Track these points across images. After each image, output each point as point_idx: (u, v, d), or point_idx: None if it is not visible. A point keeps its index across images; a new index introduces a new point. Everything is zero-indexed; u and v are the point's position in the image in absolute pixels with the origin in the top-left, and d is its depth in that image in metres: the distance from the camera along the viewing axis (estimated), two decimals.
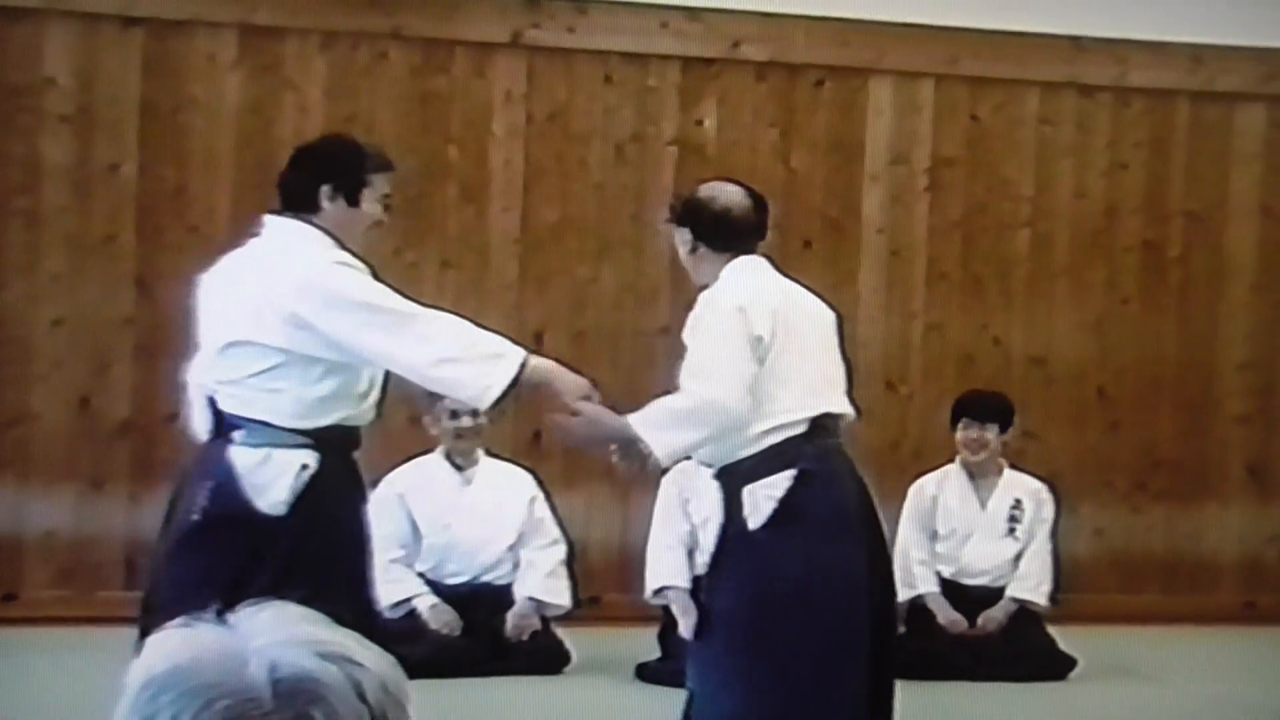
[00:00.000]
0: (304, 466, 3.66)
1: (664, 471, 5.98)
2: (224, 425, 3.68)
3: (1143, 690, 6.12)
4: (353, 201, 3.78)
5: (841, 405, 3.90)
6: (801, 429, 3.79)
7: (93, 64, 6.38)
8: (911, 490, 6.28)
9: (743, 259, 3.87)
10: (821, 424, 3.83)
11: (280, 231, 3.77)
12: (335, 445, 3.71)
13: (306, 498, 3.66)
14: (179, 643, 1.06)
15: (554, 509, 5.99)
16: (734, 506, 3.81)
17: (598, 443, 3.82)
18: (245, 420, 3.65)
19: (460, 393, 3.70)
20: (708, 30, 6.88)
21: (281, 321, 3.59)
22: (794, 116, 7.02)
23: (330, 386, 3.68)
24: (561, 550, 5.91)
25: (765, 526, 3.77)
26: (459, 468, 5.92)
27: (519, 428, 6.59)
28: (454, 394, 3.78)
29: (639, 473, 3.93)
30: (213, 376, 3.69)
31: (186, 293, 6.42)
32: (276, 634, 1.07)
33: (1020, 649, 6.05)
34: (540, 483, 6.01)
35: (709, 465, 3.91)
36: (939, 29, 7.02)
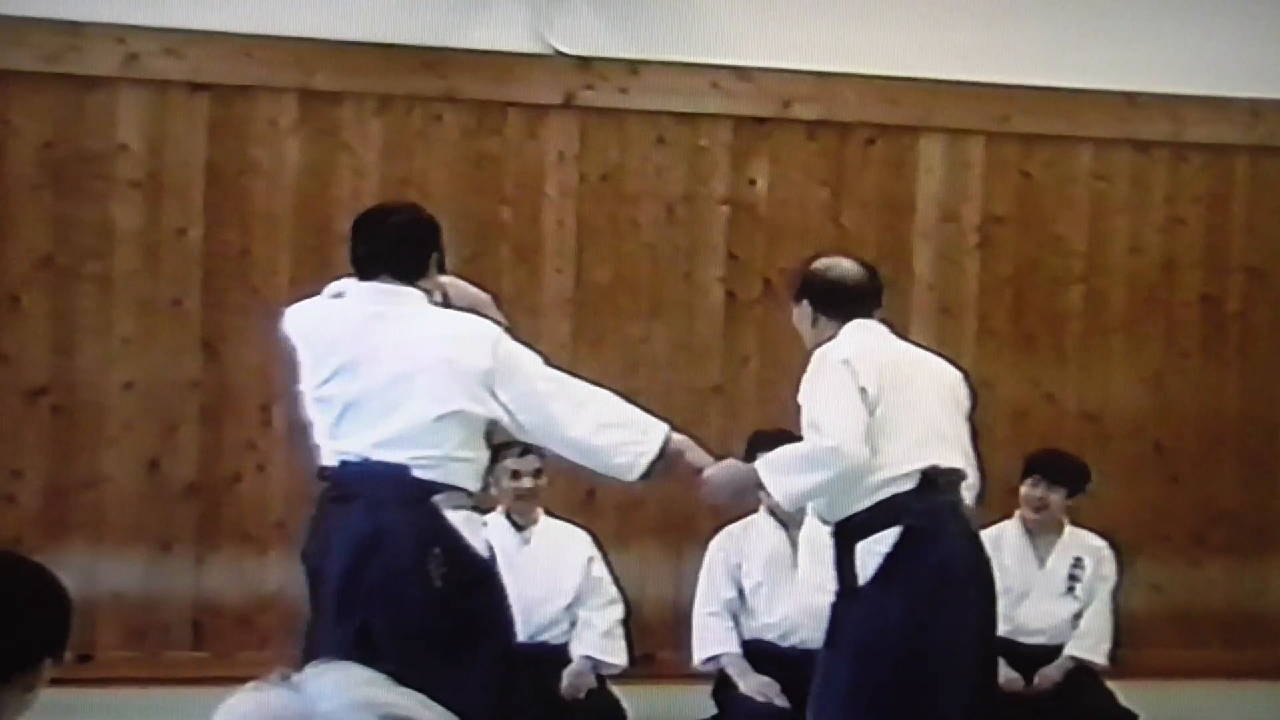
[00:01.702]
0: (485, 525, 3.84)
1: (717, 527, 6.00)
2: (415, 490, 3.70)
3: None
4: (442, 269, 3.87)
5: (951, 459, 3.96)
6: (911, 484, 3.87)
7: (161, 130, 6.49)
8: None
9: (857, 321, 4.01)
10: (931, 479, 3.88)
11: (414, 302, 3.78)
12: None
13: (491, 555, 3.83)
14: (251, 708, 1.10)
15: (610, 568, 6.01)
16: (846, 563, 3.89)
17: (737, 487, 4.03)
18: (446, 486, 3.71)
19: (615, 459, 3.78)
20: (758, 90, 6.93)
21: (482, 387, 3.67)
22: (845, 175, 7.06)
23: (486, 455, 3.81)
24: (619, 610, 5.92)
25: (872, 582, 3.83)
26: (519, 527, 5.95)
27: (572, 486, 6.62)
28: (605, 463, 3.82)
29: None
30: (414, 453, 3.67)
31: (250, 355, 6.56)
32: (342, 697, 1.10)
33: (1079, 705, 6.00)
34: (598, 542, 6.04)
35: (827, 522, 3.98)
36: (990, 86, 7.05)
